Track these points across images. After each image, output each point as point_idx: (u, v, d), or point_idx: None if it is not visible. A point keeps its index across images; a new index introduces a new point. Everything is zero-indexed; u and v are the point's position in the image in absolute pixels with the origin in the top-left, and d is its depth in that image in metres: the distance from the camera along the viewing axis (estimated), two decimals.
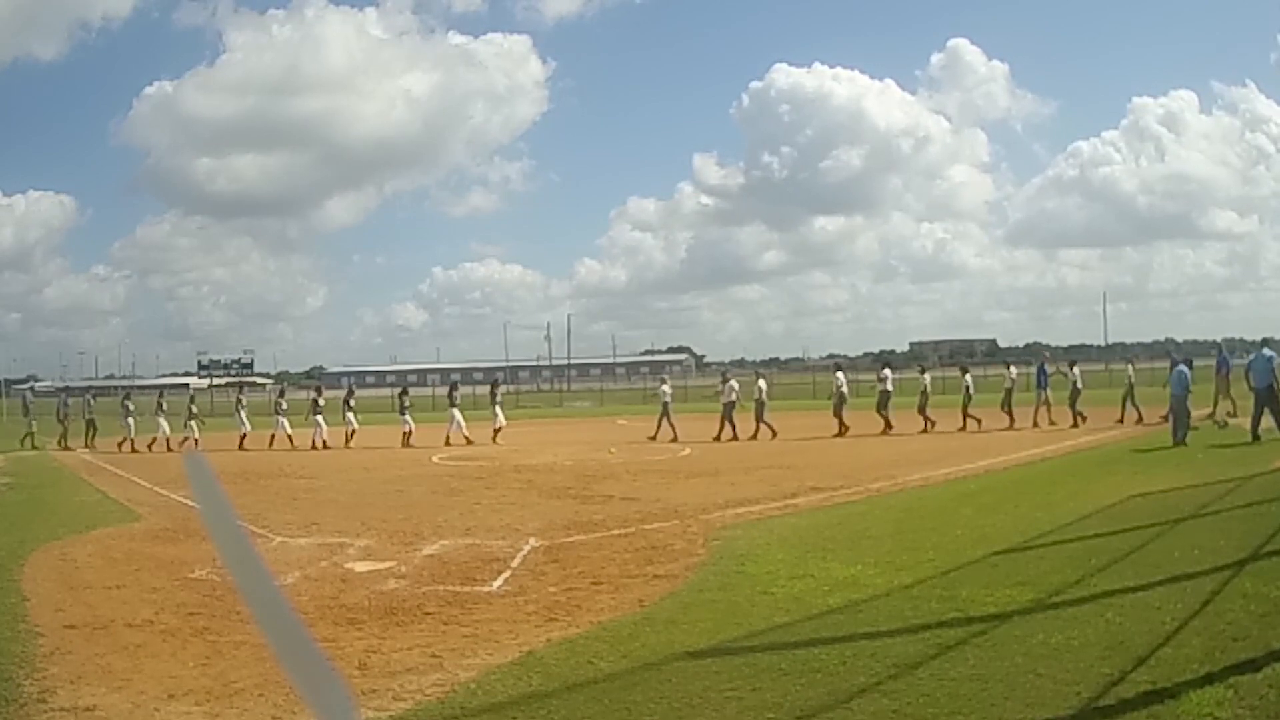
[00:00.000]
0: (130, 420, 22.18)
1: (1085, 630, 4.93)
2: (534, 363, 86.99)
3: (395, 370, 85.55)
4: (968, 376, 20.92)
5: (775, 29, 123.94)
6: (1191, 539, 7.03)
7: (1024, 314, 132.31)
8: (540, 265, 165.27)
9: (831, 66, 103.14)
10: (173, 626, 5.92)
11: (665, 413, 20.98)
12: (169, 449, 21.04)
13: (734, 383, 21.10)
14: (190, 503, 7.94)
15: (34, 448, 21.85)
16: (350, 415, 21.86)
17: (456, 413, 21.11)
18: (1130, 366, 21.56)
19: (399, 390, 23.15)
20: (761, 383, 21.10)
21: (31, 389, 26.89)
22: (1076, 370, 20.86)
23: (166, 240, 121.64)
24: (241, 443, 21.43)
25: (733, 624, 5.55)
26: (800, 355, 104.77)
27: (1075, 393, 20.33)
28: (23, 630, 5.83)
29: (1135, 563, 6.42)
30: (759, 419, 20.21)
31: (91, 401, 23.90)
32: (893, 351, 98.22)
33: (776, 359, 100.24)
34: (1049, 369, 21.15)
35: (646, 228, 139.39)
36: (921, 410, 20.47)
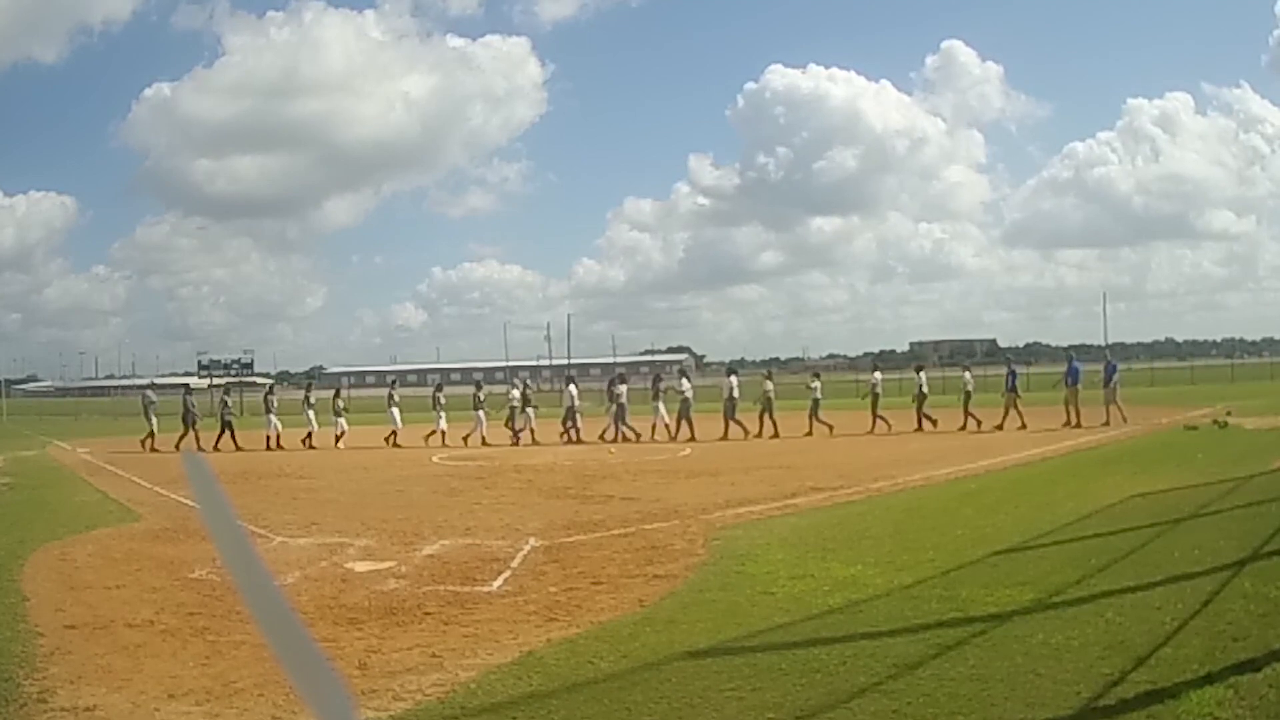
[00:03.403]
0: (273, 417, 22.07)
1: (1085, 630, 4.93)
2: (534, 363, 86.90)
3: (395, 370, 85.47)
4: (968, 374, 21.04)
5: (770, 30, 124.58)
6: (1191, 539, 7.03)
7: (1023, 314, 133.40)
8: (539, 265, 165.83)
9: (827, 67, 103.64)
10: (173, 626, 5.91)
11: (511, 416, 21.07)
12: (310, 444, 21.17)
13: (734, 379, 21.53)
14: (190, 503, 7.93)
15: (154, 450, 20.74)
16: (525, 412, 21.46)
17: (531, 412, 21.32)
18: (967, 373, 21.44)
19: (435, 387, 22.70)
20: (622, 388, 21.01)
21: (152, 385, 25.60)
22: (923, 376, 21.14)
23: (166, 241, 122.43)
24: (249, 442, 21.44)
25: (733, 624, 5.54)
26: (800, 355, 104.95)
27: (922, 397, 20.65)
28: (23, 630, 5.82)
29: (1135, 563, 6.43)
30: (618, 422, 20.36)
31: (228, 401, 22.75)
32: (893, 351, 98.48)
33: (776, 359, 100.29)
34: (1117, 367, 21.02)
35: (644, 228, 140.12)
36: (919, 409, 20.59)
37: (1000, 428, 19.41)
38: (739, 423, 20.45)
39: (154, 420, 22.04)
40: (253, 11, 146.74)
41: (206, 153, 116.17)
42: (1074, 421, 19.35)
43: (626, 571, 7.22)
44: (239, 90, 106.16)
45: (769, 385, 21.26)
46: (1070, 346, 35.43)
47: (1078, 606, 5.43)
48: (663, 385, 21.55)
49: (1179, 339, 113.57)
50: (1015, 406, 20.04)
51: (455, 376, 27.92)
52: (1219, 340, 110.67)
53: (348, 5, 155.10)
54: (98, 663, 5.17)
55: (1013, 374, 20.74)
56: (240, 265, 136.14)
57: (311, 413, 22.30)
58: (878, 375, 22.05)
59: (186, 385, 26.15)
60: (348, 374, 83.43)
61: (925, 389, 20.83)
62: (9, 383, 63.50)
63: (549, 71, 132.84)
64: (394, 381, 23.47)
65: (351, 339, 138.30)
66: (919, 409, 20.54)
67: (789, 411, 21.34)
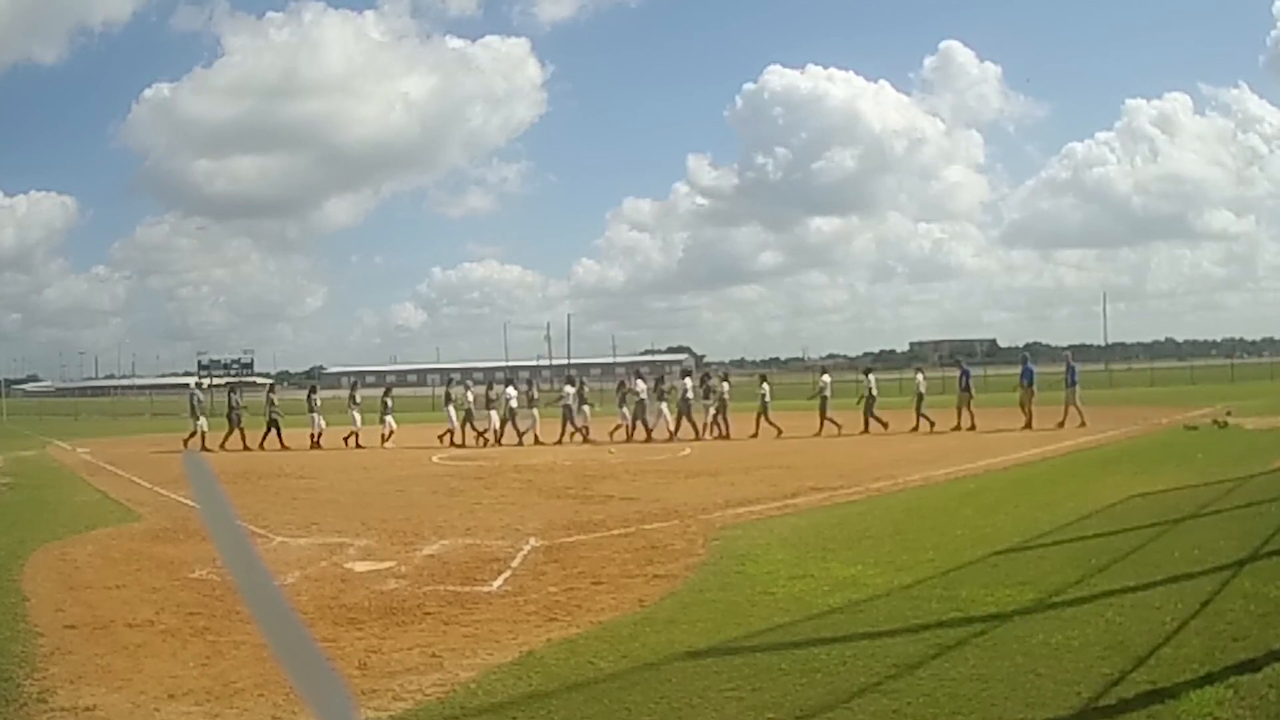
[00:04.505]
0: (317, 415, 21.90)
1: (1085, 630, 4.93)
2: (534, 363, 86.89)
3: (395, 370, 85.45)
4: (920, 376, 21.36)
5: (769, 31, 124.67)
6: (1191, 539, 7.03)
7: (1023, 314, 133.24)
8: (539, 265, 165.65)
9: (825, 68, 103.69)
10: (173, 626, 5.91)
11: (470, 418, 21.26)
12: (357, 443, 21.24)
13: (688, 380, 21.85)
14: (190, 503, 7.93)
15: (204, 448, 20.11)
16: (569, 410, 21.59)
17: (585, 410, 21.52)
18: (920, 375, 21.52)
19: (445, 384, 23.20)
20: (574, 387, 21.47)
21: (198, 384, 24.96)
22: (871, 378, 21.31)
23: (166, 241, 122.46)
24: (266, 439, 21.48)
25: (733, 624, 5.55)
26: (800, 355, 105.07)
27: (870, 399, 20.81)
28: (23, 630, 5.82)
29: (1135, 563, 6.42)
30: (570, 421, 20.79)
31: (275, 400, 22.38)
32: (893, 351, 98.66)
33: (776, 359, 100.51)
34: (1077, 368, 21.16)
35: (643, 228, 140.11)
36: (917, 409, 20.63)
37: (973, 428, 19.63)
38: (692, 423, 20.76)
39: (202, 420, 21.68)
40: (252, 12, 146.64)
41: (206, 153, 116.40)
42: (1026, 422, 19.45)
43: (626, 571, 7.22)
44: (239, 91, 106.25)
45: (725, 386, 21.43)
46: (1070, 346, 35.54)
47: (1078, 606, 5.43)
48: (587, 391, 21.91)
49: (1179, 339, 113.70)
50: (966, 407, 20.36)
51: (455, 376, 27.86)
52: (1219, 340, 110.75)
53: (347, 6, 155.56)
54: (98, 663, 5.17)
55: (965, 374, 21.13)
56: (240, 265, 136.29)
57: (356, 411, 22.30)
58: (826, 378, 22.17)
59: (232, 385, 26.06)
60: (348, 374, 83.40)
61: (875, 391, 21.04)
62: (9, 383, 63.61)
63: (548, 72, 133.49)
64: (451, 380, 23.59)
65: (351, 339, 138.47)
66: (865, 410, 20.70)
67: (814, 410, 21.42)
